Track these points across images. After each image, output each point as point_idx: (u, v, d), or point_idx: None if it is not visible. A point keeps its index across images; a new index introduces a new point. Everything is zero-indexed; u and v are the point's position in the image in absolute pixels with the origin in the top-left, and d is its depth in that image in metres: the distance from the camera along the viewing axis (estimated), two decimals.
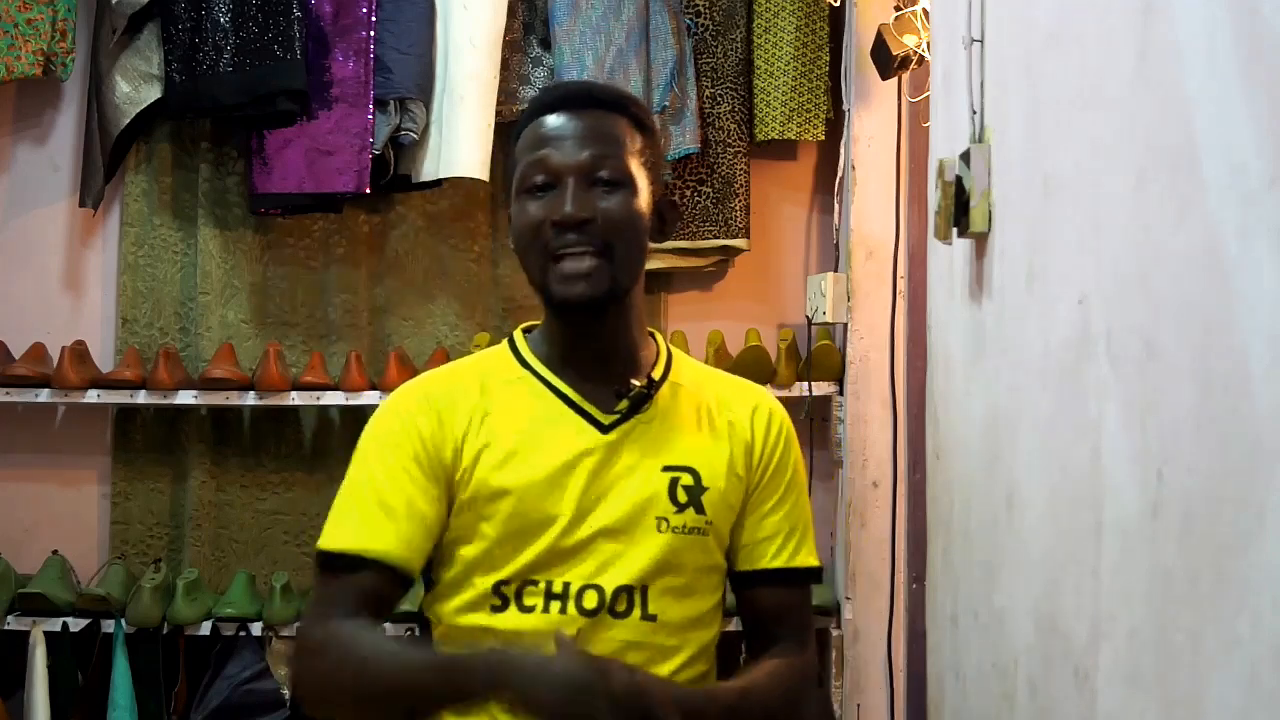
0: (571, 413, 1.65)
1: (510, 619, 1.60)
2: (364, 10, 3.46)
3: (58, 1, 3.42)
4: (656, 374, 1.69)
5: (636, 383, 1.65)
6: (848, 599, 3.47)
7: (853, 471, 3.48)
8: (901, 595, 3.45)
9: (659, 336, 1.75)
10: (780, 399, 3.53)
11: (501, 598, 1.61)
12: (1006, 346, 1.87)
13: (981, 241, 1.99)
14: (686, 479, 1.65)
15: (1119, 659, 1.39)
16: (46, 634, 3.35)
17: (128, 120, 3.45)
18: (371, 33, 3.46)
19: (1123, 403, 1.39)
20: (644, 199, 1.62)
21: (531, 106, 1.68)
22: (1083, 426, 1.51)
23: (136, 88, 3.45)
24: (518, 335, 1.73)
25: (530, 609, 1.59)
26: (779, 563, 1.71)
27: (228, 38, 3.39)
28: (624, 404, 1.65)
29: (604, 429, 1.64)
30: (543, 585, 1.60)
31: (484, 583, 1.61)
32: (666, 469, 1.64)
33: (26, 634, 3.35)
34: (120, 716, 3.31)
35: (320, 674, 1.59)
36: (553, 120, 1.62)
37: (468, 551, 1.62)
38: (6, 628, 3.37)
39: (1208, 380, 1.17)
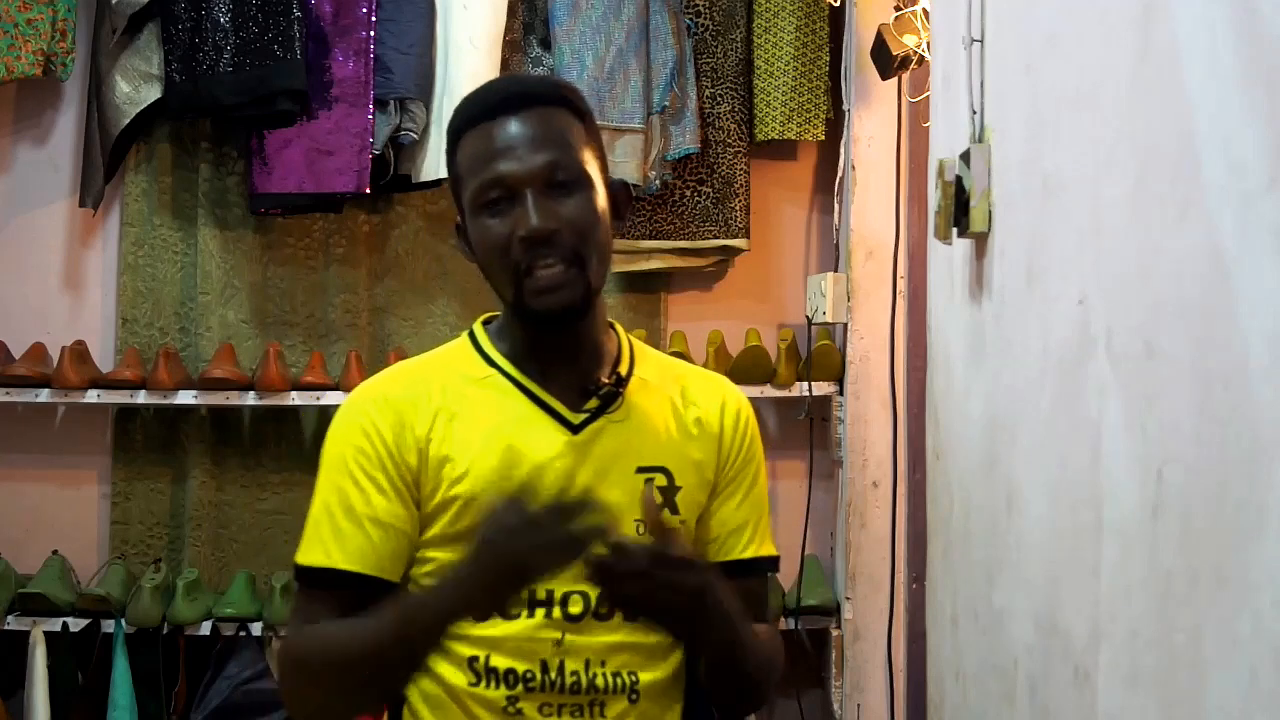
0: (541, 413, 1.59)
1: (494, 626, 1.55)
2: (364, 10, 3.46)
3: (58, 1, 3.41)
4: (623, 369, 1.63)
5: (605, 380, 1.60)
6: (848, 599, 3.47)
7: (853, 471, 3.48)
8: (901, 595, 3.45)
9: (619, 328, 1.69)
10: (780, 399, 3.61)
11: None
12: (1006, 346, 1.87)
13: (981, 241, 1.99)
14: (661, 480, 1.60)
15: (1119, 659, 1.39)
16: (46, 634, 3.35)
17: (128, 120, 3.44)
18: (371, 33, 3.46)
19: (1123, 403, 1.39)
20: (601, 193, 1.57)
21: (465, 112, 1.59)
22: (1083, 426, 1.51)
23: (136, 88, 3.45)
24: (478, 329, 1.66)
25: (515, 616, 1.55)
26: (749, 553, 1.68)
27: (228, 38, 3.39)
28: (593, 402, 1.60)
29: (574, 429, 1.59)
30: (525, 593, 1.54)
31: None
32: (640, 470, 1.60)
33: (26, 634, 3.35)
34: (120, 716, 3.31)
35: (303, 679, 1.60)
36: (496, 129, 1.54)
37: (443, 558, 1.57)
38: (6, 628, 3.37)
39: (1208, 380, 1.17)
